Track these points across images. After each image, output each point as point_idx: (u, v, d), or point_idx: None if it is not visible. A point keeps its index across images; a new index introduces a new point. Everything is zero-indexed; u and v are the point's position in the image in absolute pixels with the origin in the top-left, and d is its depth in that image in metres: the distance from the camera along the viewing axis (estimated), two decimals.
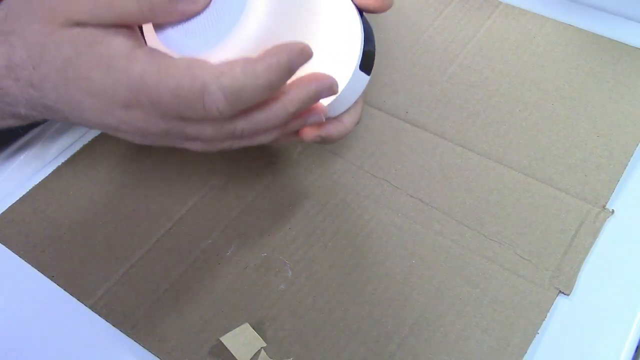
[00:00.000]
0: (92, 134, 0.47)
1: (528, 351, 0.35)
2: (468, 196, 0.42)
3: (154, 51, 0.30)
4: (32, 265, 0.40)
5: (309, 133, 0.36)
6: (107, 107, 0.30)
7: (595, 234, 0.40)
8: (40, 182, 0.44)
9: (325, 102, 0.35)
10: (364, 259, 0.39)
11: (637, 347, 0.36)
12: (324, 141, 0.37)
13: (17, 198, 0.43)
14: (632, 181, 0.43)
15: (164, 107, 0.29)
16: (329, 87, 0.33)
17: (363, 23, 0.37)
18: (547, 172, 0.43)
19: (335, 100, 0.35)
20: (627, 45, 0.51)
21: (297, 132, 0.36)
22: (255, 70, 0.29)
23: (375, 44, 0.38)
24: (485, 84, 0.49)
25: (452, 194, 0.42)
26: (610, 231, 0.40)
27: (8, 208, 0.43)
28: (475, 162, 0.44)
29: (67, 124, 0.48)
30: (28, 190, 0.44)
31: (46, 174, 0.44)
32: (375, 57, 0.38)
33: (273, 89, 0.30)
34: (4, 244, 0.41)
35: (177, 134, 0.32)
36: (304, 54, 0.30)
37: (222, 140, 0.33)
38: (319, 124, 0.36)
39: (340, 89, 0.35)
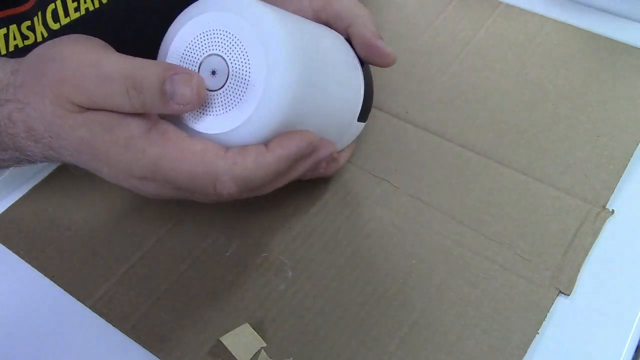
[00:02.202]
0: None
1: (528, 351, 0.35)
2: (468, 196, 0.42)
3: (167, 132, 0.31)
4: (32, 265, 0.40)
5: (307, 175, 0.38)
6: (124, 177, 0.32)
7: (595, 234, 0.40)
8: (40, 182, 0.44)
9: None
10: (364, 259, 0.39)
11: (637, 347, 0.36)
12: (319, 176, 0.40)
13: (17, 198, 0.43)
14: (632, 181, 0.43)
15: (176, 185, 0.31)
16: (330, 155, 0.35)
17: (364, 73, 0.38)
18: (547, 172, 0.43)
19: None
20: (627, 45, 0.51)
21: None
22: (266, 162, 0.31)
23: (372, 105, 0.40)
24: (485, 84, 0.49)
25: (452, 194, 0.42)
26: (610, 231, 0.40)
27: (8, 208, 0.43)
28: (475, 162, 0.44)
29: None
30: (28, 190, 0.44)
31: (46, 174, 0.44)
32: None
33: (280, 175, 0.32)
34: (4, 244, 0.41)
35: (187, 198, 0.34)
36: (312, 145, 0.33)
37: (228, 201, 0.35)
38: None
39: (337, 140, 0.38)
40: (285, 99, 0.31)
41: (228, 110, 0.31)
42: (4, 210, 0.43)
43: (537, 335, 0.36)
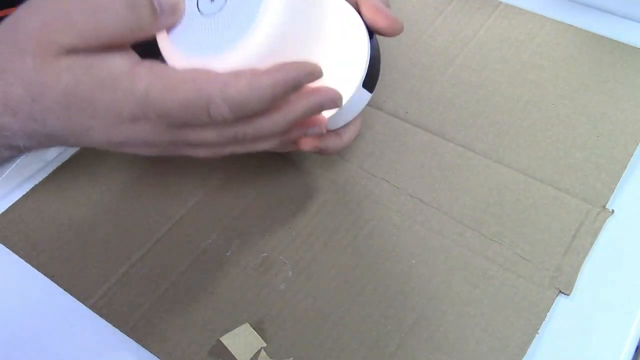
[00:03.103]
0: None
1: (528, 351, 0.35)
2: (468, 196, 0.42)
3: (155, 66, 0.30)
4: (32, 265, 0.40)
5: (308, 143, 0.36)
6: (114, 125, 0.31)
7: (595, 234, 0.40)
8: (40, 182, 0.44)
9: (326, 114, 0.35)
10: (364, 259, 0.39)
11: (637, 347, 0.36)
12: (321, 152, 0.38)
13: (17, 198, 0.43)
14: (632, 181, 0.43)
15: (170, 118, 0.30)
16: (333, 101, 0.33)
17: (372, 43, 0.38)
18: (547, 172, 0.43)
19: (336, 114, 0.36)
20: (627, 45, 0.51)
21: (295, 141, 0.36)
22: (261, 84, 0.29)
23: (379, 76, 0.39)
24: (485, 84, 0.49)
25: (452, 194, 0.42)
26: (610, 231, 0.40)
27: (8, 208, 0.43)
28: (475, 162, 0.44)
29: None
30: (28, 190, 0.44)
31: (46, 174, 0.44)
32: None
33: (276, 102, 0.30)
34: (4, 244, 0.41)
35: (182, 141, 0.32)
36: (313, 75, 0.31)
37: (224, 146, 0.33)
38: (319, 136, 0.36)
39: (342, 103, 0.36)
40: (280, 27, 0.30)
41: (222, 34, 0.31)
42: (4, 210, 0.43)
43: (537, 335, 0.36)
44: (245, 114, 0.30)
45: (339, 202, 0.42)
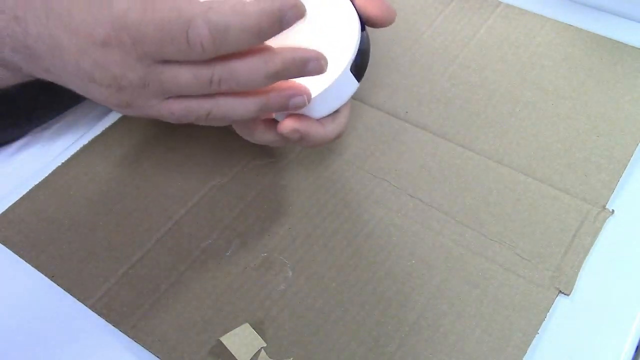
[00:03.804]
0: (92, 134, 0.47)
1: (528, 351, 0.35)
2: (468, 196, 0.42)
3: None
4: (32, 265, 0.40)
5: (287, 125, 0.35)
6: (85, 45, 0.29)
7: (595, 234, 0.40)
8: (40, 182, 0.44)
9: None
10: (364, 259, 0.39)
11: (637, 347, 0.36)
12: (302, 140, 0.36)
13: (17, 198, 0.43)
14: (632, 181, 0.43)
15: (145, 44, 0.29)
16: (317, 60, 0.31)
17: (363, 34, 0.37)
18: (547, 172, 0.43)
19: (320, 96, 0.35)
20: (627, 45, 0.51)
21: (276, 127, 0.35)
22: (246, 10, 0.28)
23: (372, 48, 0.38)
24: (485, 84, 0.49)
25: (452, 194, 0.42)
26: (610, 231, 0.40)
27: (8, 208, 0.43)
28: (475, 162, 0.44)
29: (63, 127, 0.48)
30: (28, 190, 0.44)
31: (46, 174, 0.44)
32: (376, 58, 0.38)
33: (260, 37, 0.29)
34: (4, 244, 0.41)
35: (154, 85, 0.31)
36: (297, 9, 0.29)
37: (198, 101, 0.32)
38: (299, 118, 0.35)
39: (326, 84, 0.35)
40: None
41: None
42: (4, 210, 0.43)
43: (537, 335, 0.36)
44: (225, 44, 0.28)
45: (339, 202, 0.42)
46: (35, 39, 0.31)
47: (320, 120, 0.37)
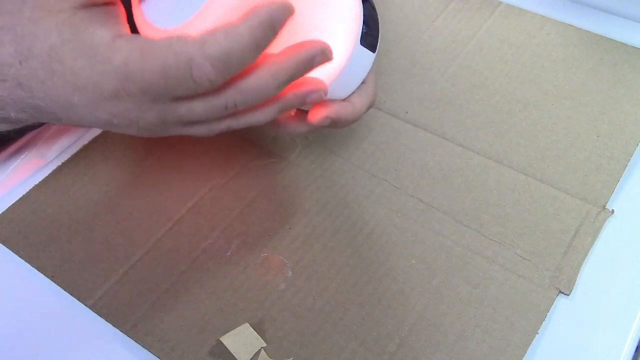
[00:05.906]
0: (92, 134, 0.47)
1: (528, 351, 0.35)
2: (468, 196, 0.42)
3: (135, 38, 0.29)
4: (32, 265, 0.40)
5: (316, 115, 0.35)
6: (96, 101, 0.30)
7: (595, 234, 0.40)
8: (40, 182, 0.44)
9: (329, 79, 0.34)
10: (364, 259, 0.39)
11: (637, 347, 0.36)
12: (335, 124, 0.36)
13: (17, 198, 0.43)
14: (632, 181, 0.43)
15: (153, 90, 0.29)
16: (321, 51, 0.31)
17: (366, 2, 0.36)
18: (547, 172, 0.43)
19: (339, 78, 0.34)
20: (627, 45, 0.51)
21: (306, 118, 0.35)
22: (238, 33, 0.28)
23: (379, 34, 0.37)
24: (485, 84, 0.49)
25: (452, 194, 0.42)
26: (610, 231, 0.40)
27: (8, 208, 0.43)
28: (475, 162, 0.44)
29: (63, 127, 0.48)
30: (28, 190, 0.44)
31: (46, 174, 0.44)
32: (375, 58, 0.38)
33: (259, 49, 0.29)
34: (4, 244, 0.41)
35: (172, 119, 0.31)
36: (285, 9, 0.29)
37: (218, 120, 0.32)
38: (326, 105, 0.35)
39: (342, 65, 0.34)
40: None
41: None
42: (4, 210, 0.43)
43: (537, 335, 0.36)
44: (230, 70, 0.29)
45: (339, 202, 0.42)
46: (43, 100, 0.31)
47: (347, 99, 0.36)
